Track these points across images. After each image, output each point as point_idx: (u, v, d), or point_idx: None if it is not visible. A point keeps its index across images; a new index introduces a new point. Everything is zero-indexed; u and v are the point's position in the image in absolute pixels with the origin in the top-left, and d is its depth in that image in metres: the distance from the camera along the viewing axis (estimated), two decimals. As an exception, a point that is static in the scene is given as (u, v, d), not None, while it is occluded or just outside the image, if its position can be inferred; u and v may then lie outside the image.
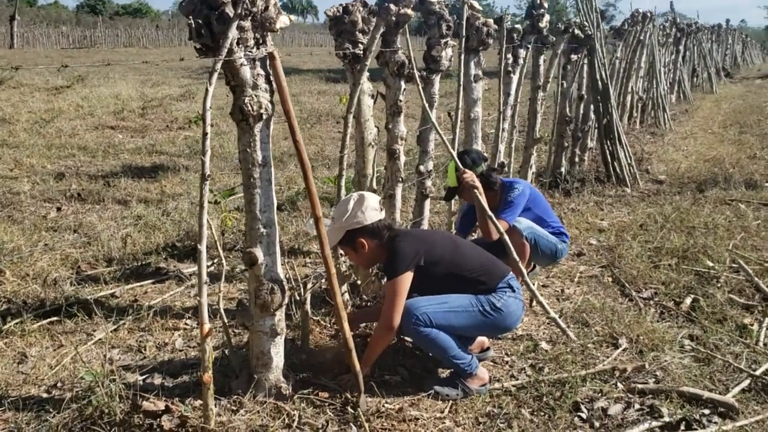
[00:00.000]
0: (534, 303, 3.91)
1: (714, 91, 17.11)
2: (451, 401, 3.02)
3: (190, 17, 2.51)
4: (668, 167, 7.82)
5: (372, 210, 3.04)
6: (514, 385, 3.14)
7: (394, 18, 3.38)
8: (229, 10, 2.51)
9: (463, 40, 4.36)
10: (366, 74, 3.52)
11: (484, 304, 3.00)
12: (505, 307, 3.02)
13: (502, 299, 3.02)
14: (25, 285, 4.17)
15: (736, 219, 5.52)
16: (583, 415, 2.92)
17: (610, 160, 7.00)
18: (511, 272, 3.22)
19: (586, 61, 6.88)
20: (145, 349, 3.48)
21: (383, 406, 2.94)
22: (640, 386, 3.10)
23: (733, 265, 4.52)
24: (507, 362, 3.41)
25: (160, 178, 7.04)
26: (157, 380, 3.13)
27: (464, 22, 4.31)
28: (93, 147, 8.76)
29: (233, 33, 2.51)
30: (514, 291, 3.08)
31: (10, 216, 5.63)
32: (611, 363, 3.30)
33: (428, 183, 4.24)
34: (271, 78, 2.74)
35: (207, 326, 2.61)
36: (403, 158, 3.85)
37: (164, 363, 3.32)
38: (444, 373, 3.23)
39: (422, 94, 3.75)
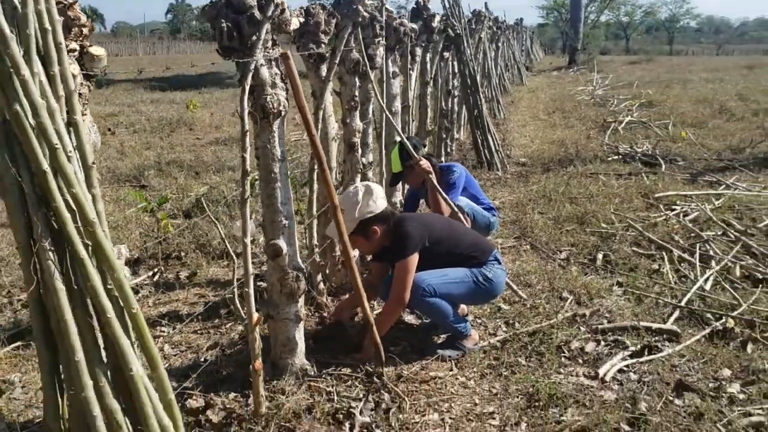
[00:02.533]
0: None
1: (524, 83, 18.95)
2: (453, 360, 3.38)
3: (223, 21, 2.61)
4: (524, 151, 8.74)
5: (381, 199, 3.30)
6: (498, 341, 3.56)
7: (360, 19, 3.64)
8: (257, 14, 2.65)
9: (384, 39, 4.69)
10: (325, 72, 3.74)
11: (477, 276, 3.38)
12: (495, 278, 3.43)
13: (492, 271, 3.42)
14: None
15: (606, 188, 6.43)
16: (567, 355, 3.42)
17: (481, 147, 7.70)
18: (496, 248, 3.64)
19: (453, 58, 7.52)
20: (137, 359, 3.42)
21: (402, 372, 3.22)
22: (600, 326, 3.67)
23: (622, 224, 5.32)
24: (481, 323, 3.82)
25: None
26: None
27: (384, 23, 4.65)
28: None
29: (263, 34, 2.66)
30: (499, 263, 3.50)
31: None
32: (571, 311, 3.85)
33: (370, 174, 4.52)
34: (284, 77, 2.91)
35: (255, 316, 2.72)
36: (360, 150, 4.11)
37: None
38: (440, 339, 3.57)
39: (375, 89, 4.05)
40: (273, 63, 2.83)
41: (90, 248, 1.46)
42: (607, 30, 62.65)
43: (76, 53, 1.63)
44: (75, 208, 1.43)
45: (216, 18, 2.66)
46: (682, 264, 4.53)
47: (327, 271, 4.10)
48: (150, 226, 5.34)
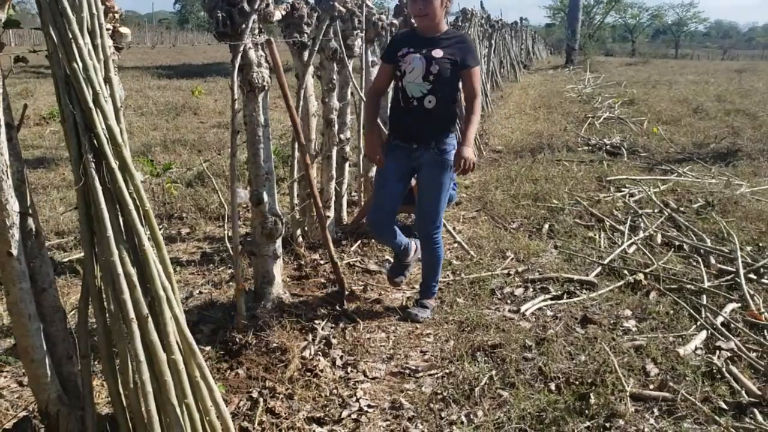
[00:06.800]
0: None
1: (518, 80, 19.62)
2: (405, 297, 4.08)
3: (219, 11, 3.31)
4: (502, 141, 9.43)
5: None
6: (444, 283, 4.27)
7: (336, 13, 4.34)
8: (246, 6, 3.35)
9: (363, 32, 5.39)
10: (307, 58, 4.44)
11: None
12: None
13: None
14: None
15: (566, 172, 7.13)
16: (499, 297, 4.13)
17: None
18: None
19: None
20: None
21: (360, 306, 3.93)
22: (531, 277, 4.38)
23: (572, 201, 6.03)
24: (433, 274, 4.52)
25: (54, 169, 7.30)
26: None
27: (363, 18, 5.34)
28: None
29: (251, 23, 3.36)
30: None
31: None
32: (508, 265, 4.55)
33: (347, 148, 5.23)
34: (268, 59, 3.61)
35: (239, 248, 3.43)
36: (337, 126, 4.81)
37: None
38: (402, 287, 4.23)
39: (351, 74, 4.75)
40: (259, 47, 3.53)
41: (118, 162, 2.16)
42: (613, 32, 63.05)
43: (110, 31, 2.33)
44: (108, 134, 2.13)
45: (213, 9, 3.36)
46: (615, 233, 5.23)
47: (306, 228, 4.81)
48: (156, 192, 6.04)
